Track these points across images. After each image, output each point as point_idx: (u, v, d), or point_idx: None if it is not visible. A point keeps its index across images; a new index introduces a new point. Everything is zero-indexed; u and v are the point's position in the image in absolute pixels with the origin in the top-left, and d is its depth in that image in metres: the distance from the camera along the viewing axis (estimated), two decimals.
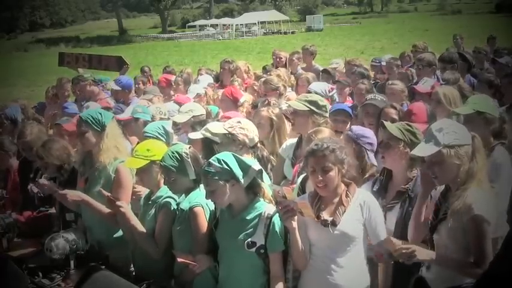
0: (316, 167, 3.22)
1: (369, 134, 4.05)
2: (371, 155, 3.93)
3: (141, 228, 3.86)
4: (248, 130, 4.16)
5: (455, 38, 11.22)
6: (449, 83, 5.81)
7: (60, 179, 4.67)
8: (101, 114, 4.35)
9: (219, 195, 3.35)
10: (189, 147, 3.83)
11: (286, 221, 3.20)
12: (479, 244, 3.01)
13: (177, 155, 3.68)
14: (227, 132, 4.13)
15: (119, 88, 7.69)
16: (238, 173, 3.33)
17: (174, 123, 5.48)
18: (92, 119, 4.26)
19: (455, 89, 5.18)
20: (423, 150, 3.18)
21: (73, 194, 4.22)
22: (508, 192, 4.03)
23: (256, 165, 3.43)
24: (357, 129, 4.10)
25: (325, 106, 4.68)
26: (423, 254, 3.05)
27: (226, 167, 3.32)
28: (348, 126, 5.03)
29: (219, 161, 3.35)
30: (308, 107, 4.57)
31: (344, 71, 8.46)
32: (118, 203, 3.86)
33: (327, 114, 4.72)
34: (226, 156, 3.40)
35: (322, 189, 3.26)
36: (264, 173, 3.89)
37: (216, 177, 3.31)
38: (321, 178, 3.21)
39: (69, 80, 8.48)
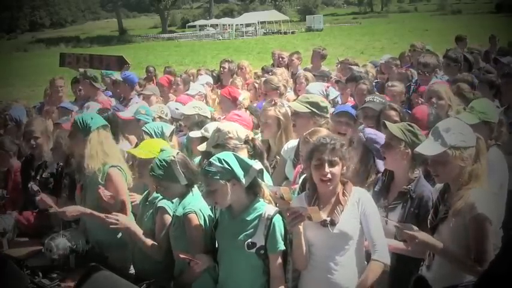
0: (324, 159, 3.22)
1: (380, 140, 3.98)
2: (379, 162, 3.90)
3: (140, 232, 3.87)
4: (230, 132, 4.10)
5: (463, 40, 11.02)
6: (456, 82, 5.81)
7: (66, 170, 4.76)
8: (92, 118, 4.35)
9: (220, 195, 3.34)
10: (177, 153, 3.80)
11: (293, 227, 3.20)
12: (480, 243, 3.02)
13: (165, 163, 3.66)
14: (215, 144, 4.11)
15: (121, 79, 7.68)
16: (239, 172, 3.33)
17: (176, 125, 5.47)
18: (80, 122, 4.29)
19: (448, 86, 5.27)
20: (428, 149, 3.19)
21: (72, 210, 4.23)
22: (500, 191, 4.02)
23: (256, 165, 3.42)
24: (370, 132, 4.08)
25: (326, 107, 4.67)
26: (429, 239, 3.07)
27: (227, 166, 3.32)
28: (350, 128, 5.01)
29: (220, 160, 3.34)
30: (309, 109, 4.56)
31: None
32: (112, 219, 3.84)
33: (328, 115, 4.71)
34: (227, 156, 3.39)
35: (325, 184, 3.25)
36: (249, 160, 3.89)
37: (217, 177, 3.31)
38: (328, 170, 3.21)
39: (61, 78, 8.47)
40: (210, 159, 3.41)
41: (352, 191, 3.33)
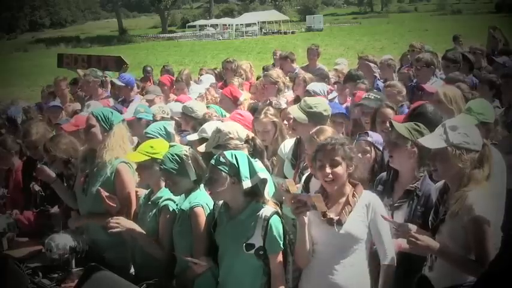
0: (325, 160, 3.25)
1: (381, 139, 4.13)
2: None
3: (143, 233, 3.86)
4: (231, 133, 4.11)
5: (457, 39, 11.02)
6: (452, 82, 5.78)
7: (68, 173, 4.70)
8: (112, 113, 4.39)
9: (216, 186, 3.35)
10: (189, 148, 3.83)
11: (298, 216, 3.21)
12: (480, 244, 3.01)
13: (177, 157, 3.68)
14: (216, 145, 4.11)
15: (123, 84, 7.73)
16: (244, 173, 3.33)
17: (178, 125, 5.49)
18: (102, 116, 4.30)
19: (456, 88, 5.16)
20: (430, 141, 3.20)
21: (75, 222, 4.29)
22: (498, 192, 4.02)
23: (262, 174, 3.42)
24: (373, 135, 4.16)
25: (328, 115, 4.58)
26: (428, 241, 3.08)
27: (235, 163, 3.34)
28: (344, 127, 5.04)
29: (232, 155, 3.38)
30: (311, 120, 4.45)
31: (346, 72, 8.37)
32: (113, 223, 3.83)
33: (328, 122, 4.67)
34: (241, 155, 3.42)
35: (330, 184, 3.27)
36: (262, 165, 3.88)
37: (221, 168, 3.34)
38: (329, 171, 3.23)
39: (65, 78, 8.53)
40: (224, 152, 3.45)
41: (363, 193, 3.33)
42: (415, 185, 3.59)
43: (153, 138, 4.69)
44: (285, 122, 5.10)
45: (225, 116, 5.55)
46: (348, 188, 3.33)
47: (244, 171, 3.34)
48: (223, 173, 3.33)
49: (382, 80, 7.18)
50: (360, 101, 5.18)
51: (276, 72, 7.06)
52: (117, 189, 4.20)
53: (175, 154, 3.70)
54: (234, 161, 3.34)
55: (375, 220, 3.27)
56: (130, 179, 4.24)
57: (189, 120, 5.64)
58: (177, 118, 6.16)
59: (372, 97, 5.13)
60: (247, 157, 3.45)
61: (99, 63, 9.95)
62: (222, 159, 3.36)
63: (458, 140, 3.11)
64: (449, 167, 3.13)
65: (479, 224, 3.00)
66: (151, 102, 7.01)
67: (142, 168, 3.97)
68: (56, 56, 11.01)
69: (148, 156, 3.90)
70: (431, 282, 3.24)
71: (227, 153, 3.40)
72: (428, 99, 5.51)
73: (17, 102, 8.51)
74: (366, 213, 3.27)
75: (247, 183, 3.34)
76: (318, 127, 4.14)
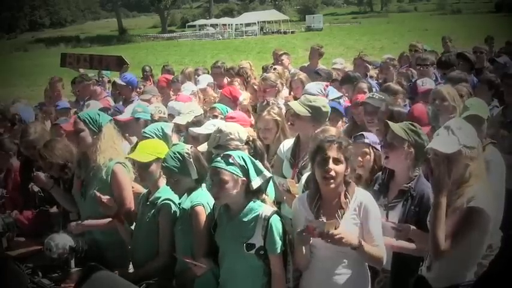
0: (330, 155, 3.18)
1: (377, 139, 4.13)
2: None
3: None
4: (232, 133, 4.10)
5: (444, 40, 11.11)
6: (453, 82, 5.80)
7: (65, 178, 4.69)
8: (98, 115, 4.36)
9: (227, 188, 3.30)
10: (191, 147, 3.82)
11: (303, 240, 3.18)
12: (461, 231, 3.01)
13: (179, 156, 3.67)
14: (216, 145, 4.11)
15: (124, 83, 7.73)
16: (253, 174, 3.34)
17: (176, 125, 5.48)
18: (89, 119, 4.27)
19: (451, 87, 5.23)
20: (444, 146, 3.13)
21: (75, 228, 4.26)
22: (498, 191, 4.02)
23: (267, 172, 3.43)
24: (369, 136, 4.16)
25: (327, 112, 4.60)
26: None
27: (244, 164, 3.33)
28: (340, 123, 5.06)
29: (239, 157, 3.36)
30: (310, 113, 4.50)
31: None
32: (118, 223, 3.83)
33: (327, 121, 4.68)
34: (245, 156, 3.42)
35: (328, 182, 3.19)
36: (262, 166, 3.91)
37: (232, 170, 3.30)
38: (332, 167, 3.17)
39: (60, 79, 8.54)
40: (229, 153, 3.41)
41: (355, 193, 3.28)
42: (410, 185, 3.58)
43: (149, 138, 4.69)
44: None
45: None
46: (342, 188, 3.26)
47: (252, 172, 3.34)
48: (234, 175, 3.30)
49: (378, 81, 7.26)
50: (364, 99, 5.17)
51: (274, 75, 7.06)
52: (114, 191, 4.19)
53: (177, 152, 3.68)
54: (243, 162, 3.33)
55: (366, 219, 3.22)
56: (127, 180, 4.23)
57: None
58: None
59: (377, 97, 5.13)
60: (249, 158, 3.44)
61: (101, 62, 10.00)
62: (231, 161, 3.32)
63: (467, 139, 3.14)
64: (460, 167, 3.13)
65: (473, 213, 3.02)
66: (147, 102, 7.02)
67: (142, 169, 3.95)
68: (57, 56, 11.06)
69: (155, 156, 3.88)
70: (428, 282, 3.25)
71: (234, 155, 3.36)
72: (422, 98, 5.57)
73: (19, 101, 8.50)
74: (358, 213, 3.23)
75: (256, 182, 3.33)
76: (323, 127, 4.15)
